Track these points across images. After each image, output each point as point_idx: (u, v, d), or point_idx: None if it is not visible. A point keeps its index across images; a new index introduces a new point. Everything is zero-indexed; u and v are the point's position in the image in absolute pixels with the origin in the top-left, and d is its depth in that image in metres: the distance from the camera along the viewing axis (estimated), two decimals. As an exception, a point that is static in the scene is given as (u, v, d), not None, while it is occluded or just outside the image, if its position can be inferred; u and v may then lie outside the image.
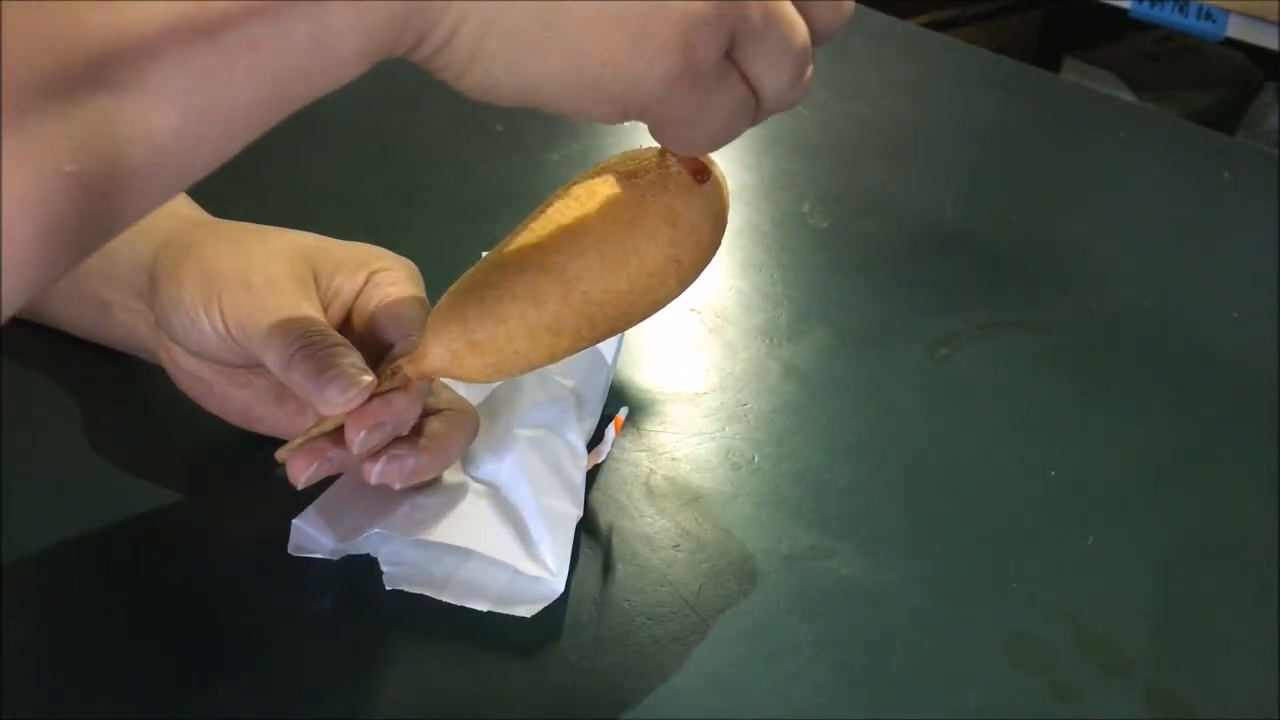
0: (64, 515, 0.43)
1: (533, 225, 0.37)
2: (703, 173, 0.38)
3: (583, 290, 0.36)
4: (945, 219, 0.69)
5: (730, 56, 0.30)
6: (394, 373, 0.38)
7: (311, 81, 0.26)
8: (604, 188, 0.37)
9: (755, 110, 0.32)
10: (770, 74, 0.31)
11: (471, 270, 0.38)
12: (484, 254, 0.38)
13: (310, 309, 0.41)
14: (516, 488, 0.43)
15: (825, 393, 0.53)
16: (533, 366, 0.38)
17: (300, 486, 0.40)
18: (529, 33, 0.28)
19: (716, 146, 0.33)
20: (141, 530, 0.43)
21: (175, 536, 0.43)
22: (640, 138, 0.35)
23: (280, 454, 0.40)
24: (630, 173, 0.37)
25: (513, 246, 0.37)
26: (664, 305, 0.38)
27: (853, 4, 0.33)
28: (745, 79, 0.31)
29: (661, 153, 0.38)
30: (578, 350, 0.38)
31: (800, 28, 0.31)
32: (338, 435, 0.39)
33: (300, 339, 0.38)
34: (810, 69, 0.32)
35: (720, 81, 0.31)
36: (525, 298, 0.36)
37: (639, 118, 0.31)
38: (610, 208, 0.37)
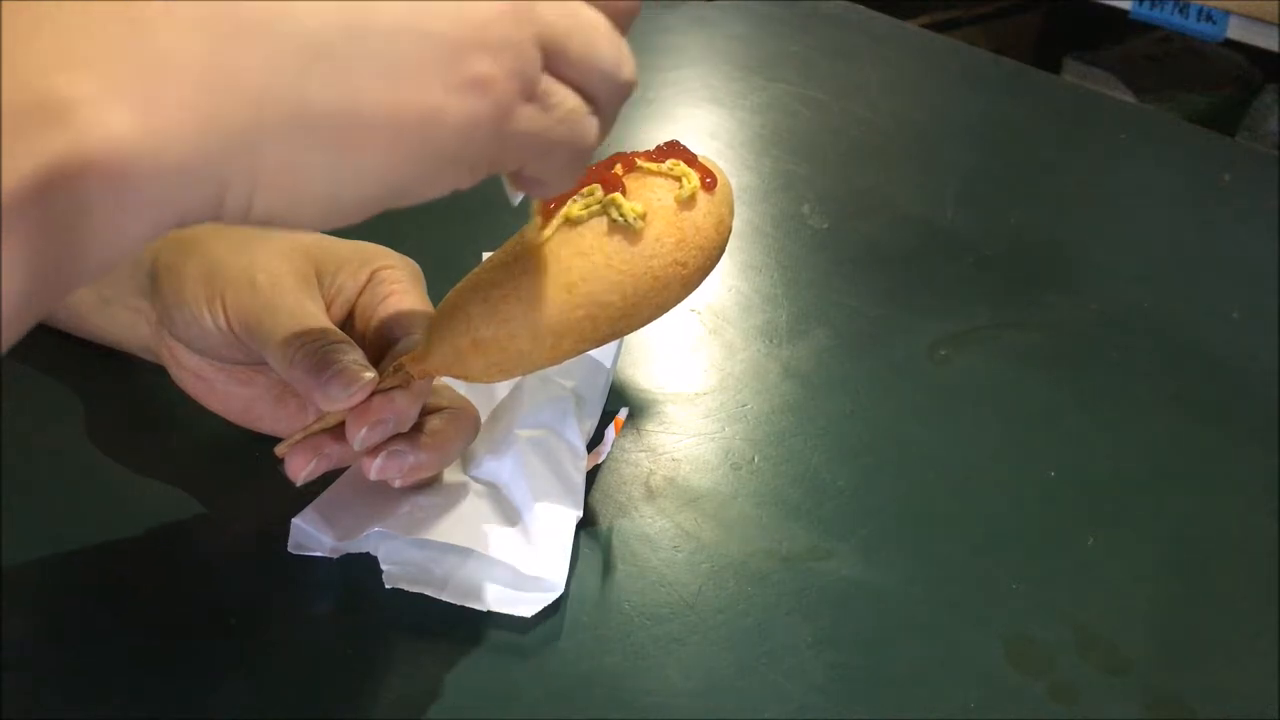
0: (64, 515, 0.43)
1: (537, 227, 0.37)
2: (709, 178, 0.38)
3: (587, 292, 0.36)
4: (945, 220, 0.69)
5: (547, 70, 0.29)
6: (396, 370, 0.38)
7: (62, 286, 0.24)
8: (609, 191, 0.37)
9: (598, 116, 0.31)
10: (591, 66, 0.30)
11: (476, 270, 0.38)
12: (485, 254, 0.38)
13: (313, 306, 0.41)
14: (516, 488, 0.43)
15: (825, 393, 0.53)
16: (536, 367, 0.38)
17: (299, 483, 0.40)
18: (331, 132, 0.26)
19: (579, 168, 0.32)
20: (142, 529, 0.43)
21: (175, 535, 0.43)
22: (643, 139, 0.34)
23: (279, 449, 0.40)
24: (636, 176, 0.38)
25: (517, 247, 0.37)
26: (668, 309, 0.38)
27: None
28: (570, 86, 0.30)
29: (666, 155, 0.38)
30: (581, 352, 0.38)
31: (593, 16, 0.30)
32: (337, 432, 0.39)
33: (303, 336, 0.38)
34: (625, 46, 0.31)
35: (551, 95, 0.29)
36: (529, 299, 0.36)
37: (493, 168, 0.30)
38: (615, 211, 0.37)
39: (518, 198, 0.33)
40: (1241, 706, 0.39)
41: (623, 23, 0.31)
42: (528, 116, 0.29)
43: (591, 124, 0.31)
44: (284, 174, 0.26)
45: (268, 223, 0.27)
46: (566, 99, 0.30)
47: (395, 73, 0.26)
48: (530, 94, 0.29)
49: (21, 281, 0.23)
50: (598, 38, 0.30)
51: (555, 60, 0.29)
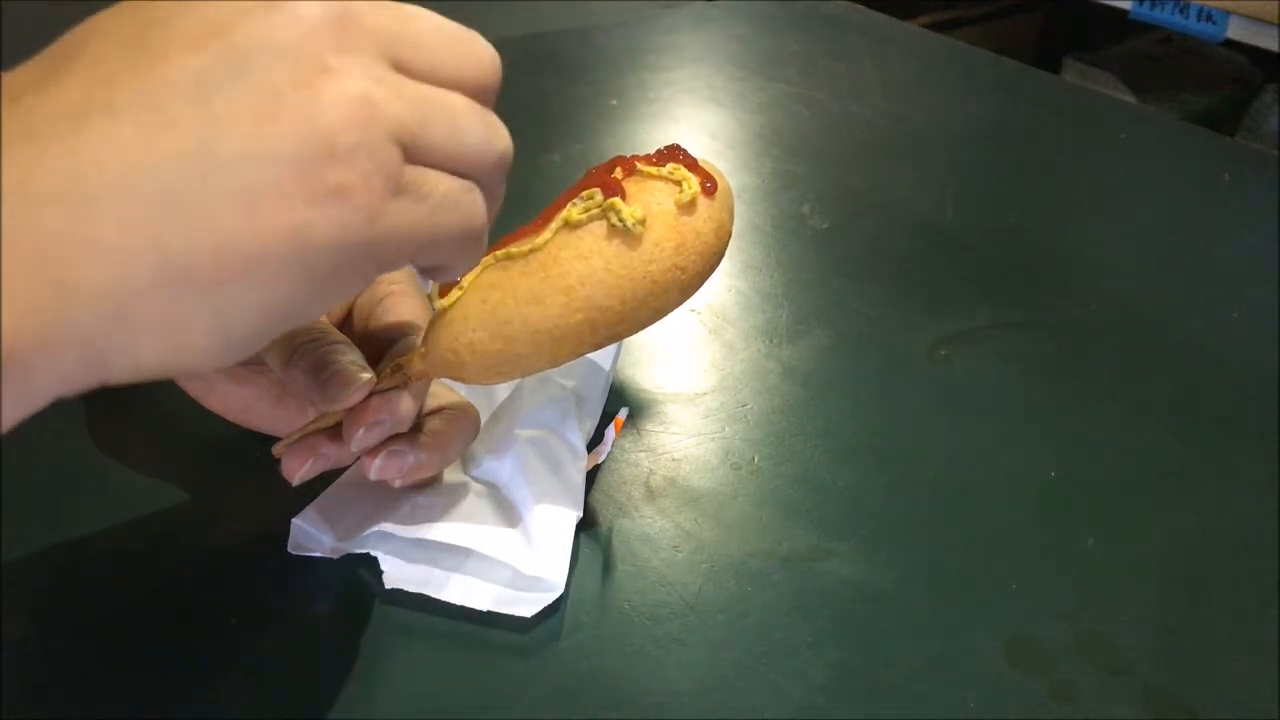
0: (64, 514, 0.43)
1: (537, 227, 0.37)
2: (710, 183, 0.38)
3: (586, 295, 0.36)
4: (945, 220, 0.69)
5: (413, 161, 0.29)
6: (394, 371, 0.38)
7: None
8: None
9: (481, 190, 0.31)
10: (457, 148, 0.29)
11: (474, 270, 0.38)
12: (483, 256, 0.38)
13: (311, 307, 0.41)
14: (516, 488, 0.43)
15: (825, 393, 0.53)
16: (534, 370, 0.38)
17: (295, 483, 0.40)
18: (202, 274, 0.25)
19: (474, 248, 0.31)
20: (142, 529, 0.43)
21: (175, 535, 0.43)
22: (644, 140, 0.34)
23: (276, 449, 0.40)
24: (636, 179, 0.38)
25: (516, 249, 0.37)
26: (666, 313, 0.38)
27: (484, 50, 0.31)
28: (444, 170, 0.29)
29: (666, 158, 0.38)
30: (580, 355, 0.38)
31: (449, 98, 0.29)
32: (334, 432, 0.39)
33: (301, 336, 0.38)
34: (491, 116, 0.31)
35: (421, 184, 0.29)
36: (528, 300, 0.36)
37: (383, 267, 0.29)
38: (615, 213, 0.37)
39: (428, 285, 0.33)
40: (1241, 706, 0.39)
41: (484, 98, 0.31)
42: (399, 211, 0.28)
43: (474, 200, 0.30)
44: (164, 326, 0.26)
45: (164, 374, 0.27)
46: (439, 184, 0.29)
47: (251, 201, 0.26)
48: (397, 189, 0.28)
49: None
50: (457, 118, 0.29)
51: (418, 150, 0.28)
